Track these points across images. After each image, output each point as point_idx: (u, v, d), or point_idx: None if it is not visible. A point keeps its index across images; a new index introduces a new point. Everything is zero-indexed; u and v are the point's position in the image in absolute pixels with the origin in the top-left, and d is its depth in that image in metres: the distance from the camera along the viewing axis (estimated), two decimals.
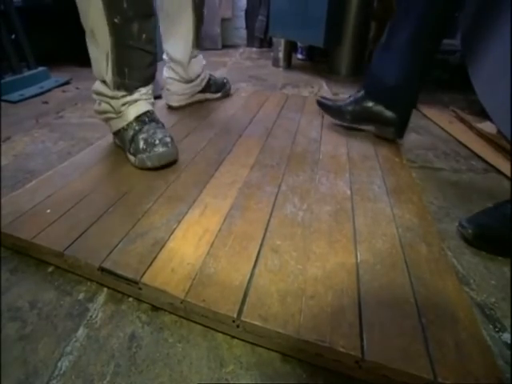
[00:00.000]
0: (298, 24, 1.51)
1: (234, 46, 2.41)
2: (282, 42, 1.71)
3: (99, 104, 0.71)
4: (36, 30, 1.38)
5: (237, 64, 1.88)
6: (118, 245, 0.46)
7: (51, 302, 0.43)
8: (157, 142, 0.64)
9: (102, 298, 0.44)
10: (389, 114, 0.79)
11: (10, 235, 0.49)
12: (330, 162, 0.72)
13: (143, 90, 0.70)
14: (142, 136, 0.66)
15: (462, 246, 0.54)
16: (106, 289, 0.45)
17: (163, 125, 0.71)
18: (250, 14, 2.25)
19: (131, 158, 0.67)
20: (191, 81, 1.00)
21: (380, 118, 0.81)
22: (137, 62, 0.67)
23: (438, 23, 0.69)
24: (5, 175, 0.70)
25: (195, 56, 0.97)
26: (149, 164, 0.65)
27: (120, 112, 0.69)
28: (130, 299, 0.44)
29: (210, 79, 1.07)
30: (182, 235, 0.48)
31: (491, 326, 0.41)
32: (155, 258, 0.44)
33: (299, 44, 1.96)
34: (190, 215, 0.53)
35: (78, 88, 1.35)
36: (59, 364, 0.36)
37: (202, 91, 1.06)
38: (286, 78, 1.59)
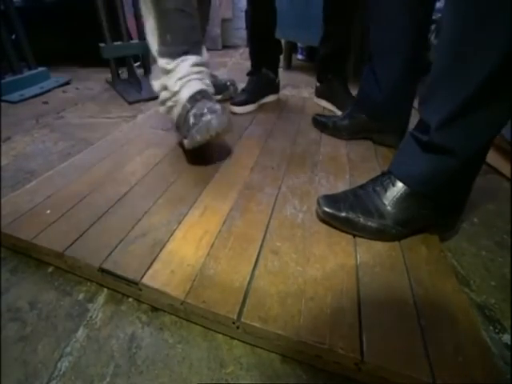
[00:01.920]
0: (298, 24, 1.51)
1: (234, 47, 2.41)
2: (282, 42, 1.71)
3: (161, 100, 0.71)
4: (36, 30, 1.38)
5: (237, 64, 1.88)
6: (117, 245, 0.46)
7: (51, 303, 0.43)
8: (205, 110, 0.60)
9: (101, 298, 0.44)
10: (384, 124, 0.79)
11: (10, 235, 0.49)
12: (329, 163, 0.72)
13: (191, 59, 0.66)
14: (192, 112, 0.62)
15: (462, 246, 0.54)
16: (105, 289, 0.45)
17: (216, 101, 0.67)
18: None
19: (185, 142, 0.63)
20: None
21: (376, 129, 0.80)
22: (177, 26, 0.64)
23: (413, 32, 0.67)
24: (5, 175, 0.70)
25: None
26: (198, 138, 0.59)
27: (175, 94, 0.66)
28: (130, 300, 0.44)
29: None
30: (182, 236, 0.49)
31: (491, 327, 0.41)
32: (155, 258, 0.44)
33: (299, 44, 1.96)
34: (190, 216, 0.53)
35: (77, 88, 1.35)
36: (59, 364, 0.36)
37: None
38: (286, 78, 1.59)
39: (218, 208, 0.55)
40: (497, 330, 0.41)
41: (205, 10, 0.96)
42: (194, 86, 0.66)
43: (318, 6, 1.40)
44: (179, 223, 0.51)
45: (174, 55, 0.65)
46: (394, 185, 0.49)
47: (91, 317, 0.41)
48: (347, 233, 0.51)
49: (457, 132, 0.44)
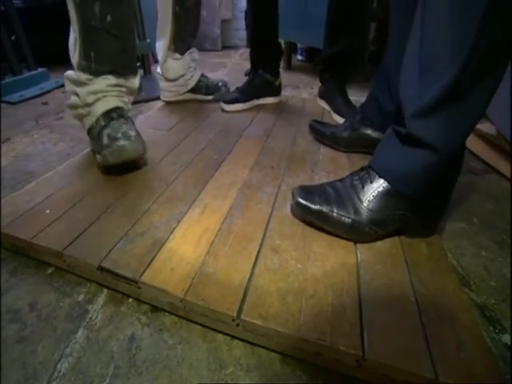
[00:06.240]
0: (298, 25, 1.52)
1: (234, 47, 2.42)
2: (282, 42, 1.71)
3: (70, 98, 0.68)
4: (36, 31, 1.38)
5: (237, 65, 1.88)
6: (117, 244, 0.46)
7: (51, 304, 0.42)
8: (119, 135, 0.59)
9: (101, 299, 0.44)
10: None
11: (10, 235, 0.48)
12: (329, 162, 0.72)
13: (112, 80, 0.65)
14: (106, 131, 0.61)
15: (462, 246, 0.54)
16: (105, 290, 0.45)
17: (133, 122, 0.67)
18: None
19: (97, 157, 0.63)
20: (171, 80, 1.03)
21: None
22: (102, 46, 0.62)
23: None
24: (5, 176, 0.70)
25: (177, 59, 1.00)
26: (110, 160, 0.60)
27: (87, 105, 0.64)
28: (130, 300, 0.43)
29: (200, 81, 1.08)
30: (182, 235, 0.48)
31: (491, 328, 0.41)
32: (154, 257, 0.44)
33: (299, 45, 1.97)
34: (190, 215, 0.53)
35: None
36: (58, 366, 0.35)
37: (192, 91, 1.09)
38: (285, 79, 1.58)
39: (217, 206, 0.55)
40: (497, 331, 0.41)
41: (194, 12, 0.96)
42: (111, 102, 0.65)
43: (316, 7, 1.41)
44: (179, 222, 0.51)
45: (95, 73, 0.64)
46: (371, 181, 0.47)
47: (91, 318, 0.41)
48: (322, 230, 0.49)
49: (435, 123, 0.41)
